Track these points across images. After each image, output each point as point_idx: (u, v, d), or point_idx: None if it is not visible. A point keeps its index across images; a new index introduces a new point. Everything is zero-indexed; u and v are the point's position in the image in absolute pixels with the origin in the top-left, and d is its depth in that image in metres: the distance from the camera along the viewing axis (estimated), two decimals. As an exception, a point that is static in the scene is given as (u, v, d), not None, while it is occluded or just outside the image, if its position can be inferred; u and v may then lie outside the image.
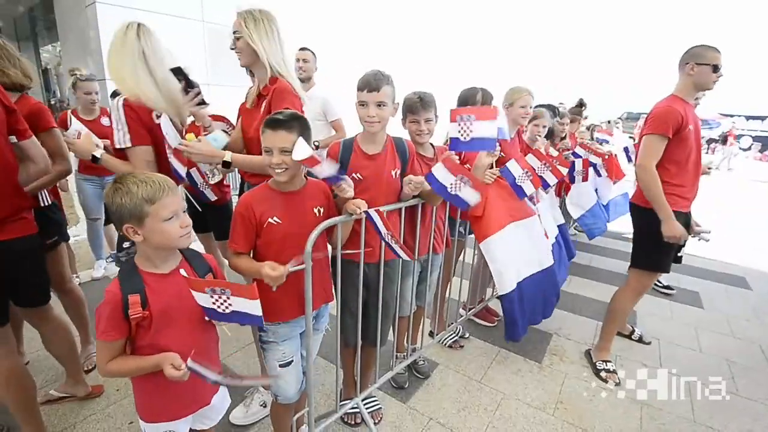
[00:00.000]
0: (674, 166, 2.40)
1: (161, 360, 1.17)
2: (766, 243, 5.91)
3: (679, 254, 2.68)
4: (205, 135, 1.91)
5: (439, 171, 1.83)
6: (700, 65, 2.33)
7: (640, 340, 3.01)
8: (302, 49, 3.66)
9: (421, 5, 10.97)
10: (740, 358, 2.88)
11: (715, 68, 2.32)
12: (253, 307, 1.20)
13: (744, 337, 3.19)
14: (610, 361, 2.67)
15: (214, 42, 6.70)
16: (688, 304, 3.73)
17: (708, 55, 2.32)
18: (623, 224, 3.93)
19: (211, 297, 1.20)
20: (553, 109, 3.75)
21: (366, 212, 1.59)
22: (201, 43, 6.71)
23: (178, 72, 1.80)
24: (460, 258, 2.94)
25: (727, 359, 2.85)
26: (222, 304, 1.21)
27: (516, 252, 2.56)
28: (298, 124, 1.45)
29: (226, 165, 1.80)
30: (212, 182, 1.99)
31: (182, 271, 1.27)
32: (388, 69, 1.81)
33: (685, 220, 2.49)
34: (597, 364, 2.67)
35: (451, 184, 1.86)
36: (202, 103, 1.88)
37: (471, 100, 2.58)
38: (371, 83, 1.74)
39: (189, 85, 1.80)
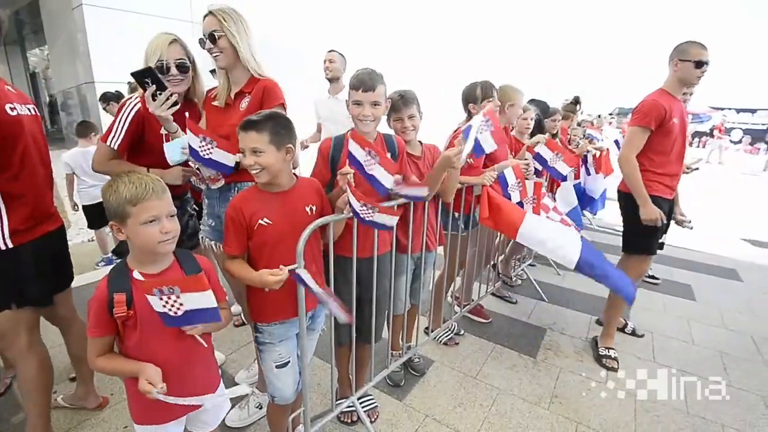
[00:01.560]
0: (659, 156, 2.53)
1: (140, 370, 1.16)
2: (756, 235, 5.97)
3: (661, 240, 2.78)
4: (170, 142, 1.80)
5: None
6: (683, 61, 2.41)
7: (633, 333, 3.03)
8: (330, 51, 3.77)
9: (415, 3, 10.96)
10: (732, 349, 2.90)
11: (698, 64, 2.38)
12: (206, 300, 1.13)
13: (736, 328, 3.22)
14: (613, 348, 2.73)
15: (204, 43, 6.64)
16: (681, 296, 3.76)
17: (691, 51, 2.39)
18: (617, 219, 3.95)
19: (160, 299, 1.11)
20: (543, 106, 3.76)
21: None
22: (190, 44, 6.66)
23: (147, 73, 1.66)
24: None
25: (719, 351, 2.88)
26: (173, 306, 1.12)
27: (550, 226, 2.57)
28: (272, 124, 1.44)
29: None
30: (215, 187, 1.88)
31: (136, 274, 1.21)
32: (379, 67, 1.82)
33: (669, 206, 2.66)
34: (600, 349, 2.72)
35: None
36: (175, 105, 1.74)
37: (471, 96, 2.59)
38: (366, 83, 1.74)
39: (159, 88, 1.68)
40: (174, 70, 1.85)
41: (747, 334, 3.13)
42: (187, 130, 1.65)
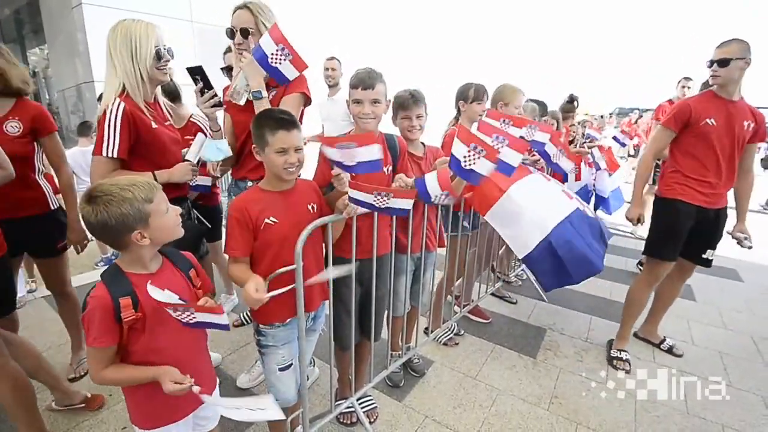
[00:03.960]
0: (690, 159, 2.45)
1: (160, 374, 1.16)
2: (756, 235, 5.95)
3: (704, 256, 2.73)
4: (211, 138, 1.86)
5: (430, 180, 1.86)
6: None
7: (669, 350, 2.87)
8: (330, 58, 3.89)
9: (416, 2, 10.96)
10: (732, 349, 2.90)
11: (708, 64, 2.35)
12: (219, 319, 1.16)
13: (736, 329, 3.21)
14: (625, 351, 2.73)
15: (203, 42, 6.66)
16: (681, 296, 3.72)
17: (714, 51, 2.35)
18: (617, 218, 3.95)
19: (174, 312, 1.14)
20: (543, 106, 3.74)
21: (350, 197, 1.58)
22: (190, 43, 6.68)
23: (197, 70, 1.75)
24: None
25: (719, 351, 2.87)
26: (186, 317, 1.15)
27: (528, 210, 2.38)
28: (296, 121, 1.49)
29: (258, 97, 1.77)
30: (240, 104, 1.90)
31: (149, 287, 1.14)
32: (379, 67, 1.82)
33: (705, 215, 2.52)
34: (612, 351, 2.73)
35: (437, 195, 1.90)
36: (218, 105, 1.80)
37: (463, 95, 2.62)
38: (366, 81, 1.74)
39: (206, 86, 1.76)
40: (167, 56, 1.75)
41: (747, 334, 3.12)
42: (265, 35, 1.67)
